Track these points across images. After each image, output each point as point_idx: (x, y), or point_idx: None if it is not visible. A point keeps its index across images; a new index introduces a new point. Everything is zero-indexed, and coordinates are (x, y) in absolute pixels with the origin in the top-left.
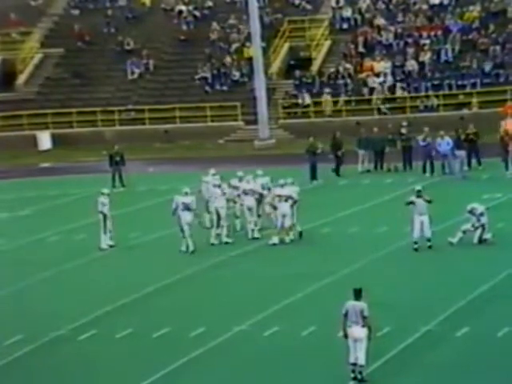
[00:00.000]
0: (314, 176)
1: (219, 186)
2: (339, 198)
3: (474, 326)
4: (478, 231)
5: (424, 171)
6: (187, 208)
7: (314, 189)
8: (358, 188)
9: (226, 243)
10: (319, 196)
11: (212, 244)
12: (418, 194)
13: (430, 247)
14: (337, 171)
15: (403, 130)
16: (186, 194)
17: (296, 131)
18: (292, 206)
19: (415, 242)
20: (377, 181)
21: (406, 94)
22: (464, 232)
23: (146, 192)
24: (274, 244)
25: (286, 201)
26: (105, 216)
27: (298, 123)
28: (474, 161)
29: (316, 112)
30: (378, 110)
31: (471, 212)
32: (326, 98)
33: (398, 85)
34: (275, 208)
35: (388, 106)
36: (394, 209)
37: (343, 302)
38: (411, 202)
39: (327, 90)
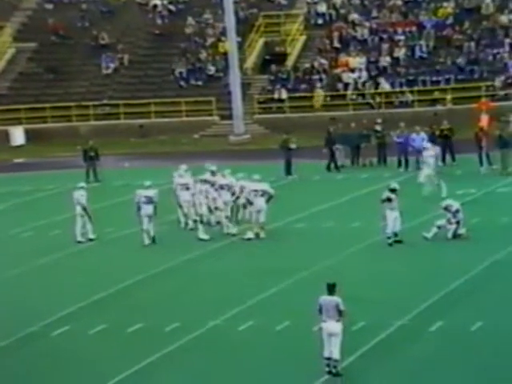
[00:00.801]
0: (288, 171)
1: (205, 182)
2: (314, 193)
3: (448, 320)
4: (453, 227)
5: (399, 166)
6: (149, 201)
7: (288, 184)
8: (333, 183)
9: (201, 240)
10: (294, 191)
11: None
12: (393, 191)
13: (399, 241)
14: (329, 166)
15: (378, 127)
16: (148, 187)
17: (271, 126)
18: (267, 202)
19: (389, 237)
20: (352, 176)
21: (388, 87)
22: (439, 227)
23: (120, 187)
24: (249, 239)
25: (261, 196)
26: (84, 209)
27: (273, 118)
28: (448, 157)
29: (291, 107)
30: (367, 103)
31: (446, 208)
32: (318, 92)
33: (382, 80)
34: (250, 203)
35: (378, 100)
36: (369, 204)
37: (318, 296)
38: (388, 199)
39: (318, 84)
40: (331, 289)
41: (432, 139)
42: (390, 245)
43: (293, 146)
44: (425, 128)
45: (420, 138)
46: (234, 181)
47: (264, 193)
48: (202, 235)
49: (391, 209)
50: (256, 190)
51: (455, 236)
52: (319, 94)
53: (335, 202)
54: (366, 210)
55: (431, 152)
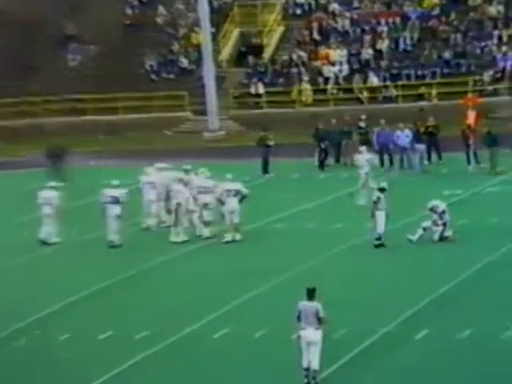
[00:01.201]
0: (265, 170)
1: (179, 181)
2: (294, 192)
3: (434, 328)
4: (440, 229)
5: (382, 165)
6: (115, 201)
7: (266, 183)
8: (314, 182)
9: (174, 243)
10: (272, 190)
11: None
12: (382, 191)
13: (381, 245)
14: (322, 164)
15: (361, 123)
16: (115, 186)
17: (247, 122)
18: (240, 202)
19: (377, 239)
20: (333, 175)
21: (376, 81)
22: (424, 229)
23: (87, 187)
24: (228, 242)
25: (234, 195)
26: (53, 210)
27: (250, 114)
28: (434, 155)
29: (269, 102)
30: (357, 99)
31: (432, 210)
32: (305, 86)
33: (371, 74)
34: (222, 203)
35: (366, 94)
36: (351, 204)
37: (297, 301)
38: (378, 199)
39: (305, 77)
40: (311, 294)
41: (417, 136)
42: (377, 246)
43: (270, 143)
44: (409, 125)
45: (404, 135)
46: (213, 182)
47: (237, 193)
48: (176, 238)
49: (381, 209)
50: (229, 190)
51: (442, 238)
52: (306, 89)
53: (316, 201)
54: (348, 210)
55: (365, 155)
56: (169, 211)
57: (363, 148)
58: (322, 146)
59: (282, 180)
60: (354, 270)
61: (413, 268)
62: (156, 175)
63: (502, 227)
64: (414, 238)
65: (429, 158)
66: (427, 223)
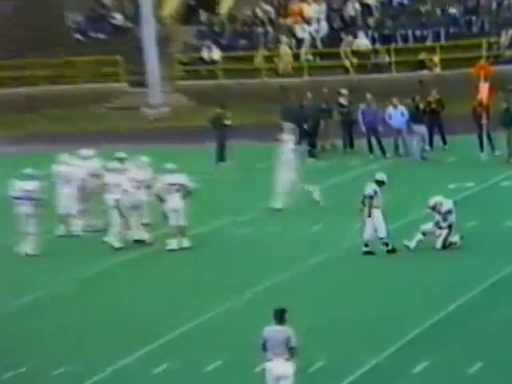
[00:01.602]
0: (221, 157)
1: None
2: (257, 186)
3: (437, 358)
4: (444, 233)
5: (370, 152)
6: (28, 197)
7: (222, 174)
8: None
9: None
10: (230, 184)
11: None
12: (378, 184)
13: (388, 251)
14: (312, 151)
15: (342, 100)
16: (29, 177)
17: (199, 96)
18: (184, 198)
19: (366, 245)
20: (307, 163)
21: (367, 44)
22: (424, 233)
23: None
24: (172, 249)
25: (177, 191)
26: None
27: (202, 86)
28: (437, 138)
29: (226, 71)
30: (341, 67)
31: (434, 208)
32: (285, 49)
33: (361, 34)
34: (162, 200)
35: (355, 60)
36: (331, 201)
37: (261, 327)
38: (375, 193)
39: (284, 38)
40: (280, 316)
41: (415, 115)
42: (367, 253)
43: (228, 122)
44: (405, 100)
45: (399, 113)
46: (149, 174)
47: (181, 187)
48: (114, 242)
49: (376, 207)
50: (172, 184)
51: (446, 246)
52: (285, 53)
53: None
54: (326, 209)
55: (290, 144)
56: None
57: (289, 137)
58: (305, 126)
59: (243, 170)
60: (335, 286)
61: (409, 283)
62: (77, 165)
63: None
64: (412, 244)
65: (430, 143)
66: (428, 226)
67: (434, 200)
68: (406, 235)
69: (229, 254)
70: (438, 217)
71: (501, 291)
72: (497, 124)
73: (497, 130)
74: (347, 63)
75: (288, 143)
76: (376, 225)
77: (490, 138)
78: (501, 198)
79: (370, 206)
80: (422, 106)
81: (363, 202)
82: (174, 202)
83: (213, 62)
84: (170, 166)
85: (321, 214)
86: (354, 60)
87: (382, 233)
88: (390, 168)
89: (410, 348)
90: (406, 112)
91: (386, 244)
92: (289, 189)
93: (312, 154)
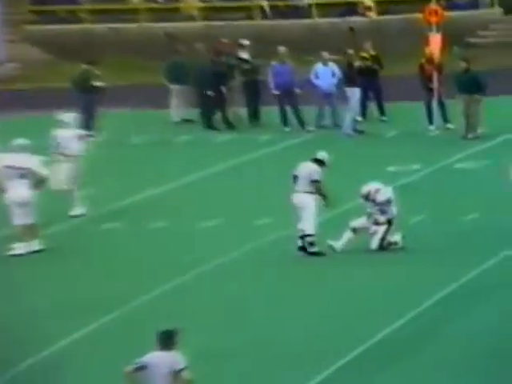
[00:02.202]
0: (87, 128)
1: None
2: (132, 166)
3: None
4: (381, 230)
5: (284, 124)
6: None
7: (87, 151)
8: (171, 150)
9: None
10: (97, 164)
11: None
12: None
13: (304, 249)
14: (210, 120)
15: (243, 54)
16: None
17: (57, 47)
18: (36, 188)
19: (303, 236)
20: (203, 138)
21: None
22: (354, 230)
23: None
24: (18, 255)
25: (22, 177)
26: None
27: (61, 32)
28: (372, 106)
29: (94, 13)
30: (262, 10)
31: (368, 197)
32: None
33: None
34: (1, 190)
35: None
36: (235, 186)
37: (142, 353)
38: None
39: None
40: (166, 340)
41: (349, 75)
42: (302, 249)
43: (97, 83)
44: (333, 56)
45: (329, 71)
46: None
47: (28, 173)
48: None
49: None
50: (12, 167)
51: (384, 246)
52: None
53: (172, 184)
54: (228, 196)
55: (70, 132)
56: None
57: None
58: (209, 92)
59: (114, 146)
60: (241, 297)
61: (338, 294)
62: None
63: (482, 228)
64: (338, 244)
65: (363, 112)
66: (360, 221)
67: (367, 187)
68: (330, 233)
69: (97, 258)
70: (373, 208)
71: (453, 306)
72: (451, 88)
73: (452, 97)
74: (255, 4)
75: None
76: (305, 216)
77: (442, 107)
78: (455, 185)
79: (321, 193)
80: (356, 63)
81: (312, 192)
82: (19, 192)
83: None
84: (20, 141)
85: (215, 204)
86: (264, 1)
87: (311, 228)
88: (311, 144)
89: (345, 372)
90: (338, 71)
91: (311, 243)
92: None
93: (211, 126)
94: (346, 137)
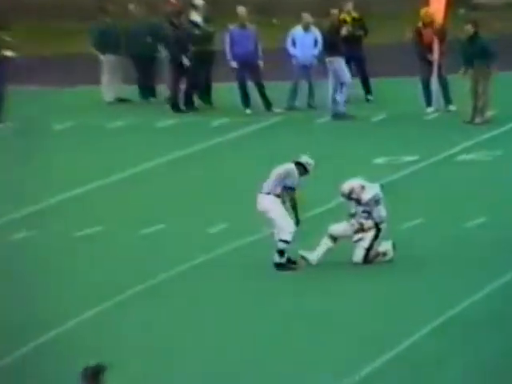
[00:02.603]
0: None
1: None
2: (57, 160)
3: None
4: (368, 238)
5: (245, 105)
6: None
7: None
8: (102, 138)
9: None
10: (7, 156)
11: None
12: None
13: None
14: (176, 101)
15: (195, 17)
16: None
17: None
18: None
19: (280, 251)
20: (142, 122)
21: None
22: (334, 238)
23: None
24: None
25: None
26: None
27: None
28: (356, 81)
29: None
30: None
31: (350, 196)
32: None
33: None
34: None
35: None
36: (182, 184)
37: None
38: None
39: None
40: (94, 377)
41: (333, 43)
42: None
43: (8, 53)
44: (311, 19)
45: (311, 39)
46: None
47: None
48: None
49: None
50: None
51: (369, 259)
52: None
53: (102, 181)
54: (170, 199)
55: None
56: None
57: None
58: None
59: (28, 133)
60: (185, 318)
61: (310, 323)
62: None
63: (491, 236)
64: (313, 256)
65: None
66: (340, 226)
67: (350, 183)
68: (305, 243)
69: (8, 272)
70: (356, 209)
71: (458, 335)
72: (456, 60)
73: (454, 71)
74: None
75: None
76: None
77: (443, 84)
78: (459, 181)
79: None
80: (344, 29)
81: (279, 195)
82: None
83: None
84: None
85: (159, 208)
86: None
87: (286, 234)
88: (279, 130)
89: None
90: (318, 36)
91: (281, 252)
92: None
93: (176, 106)
94: (328, 121)
